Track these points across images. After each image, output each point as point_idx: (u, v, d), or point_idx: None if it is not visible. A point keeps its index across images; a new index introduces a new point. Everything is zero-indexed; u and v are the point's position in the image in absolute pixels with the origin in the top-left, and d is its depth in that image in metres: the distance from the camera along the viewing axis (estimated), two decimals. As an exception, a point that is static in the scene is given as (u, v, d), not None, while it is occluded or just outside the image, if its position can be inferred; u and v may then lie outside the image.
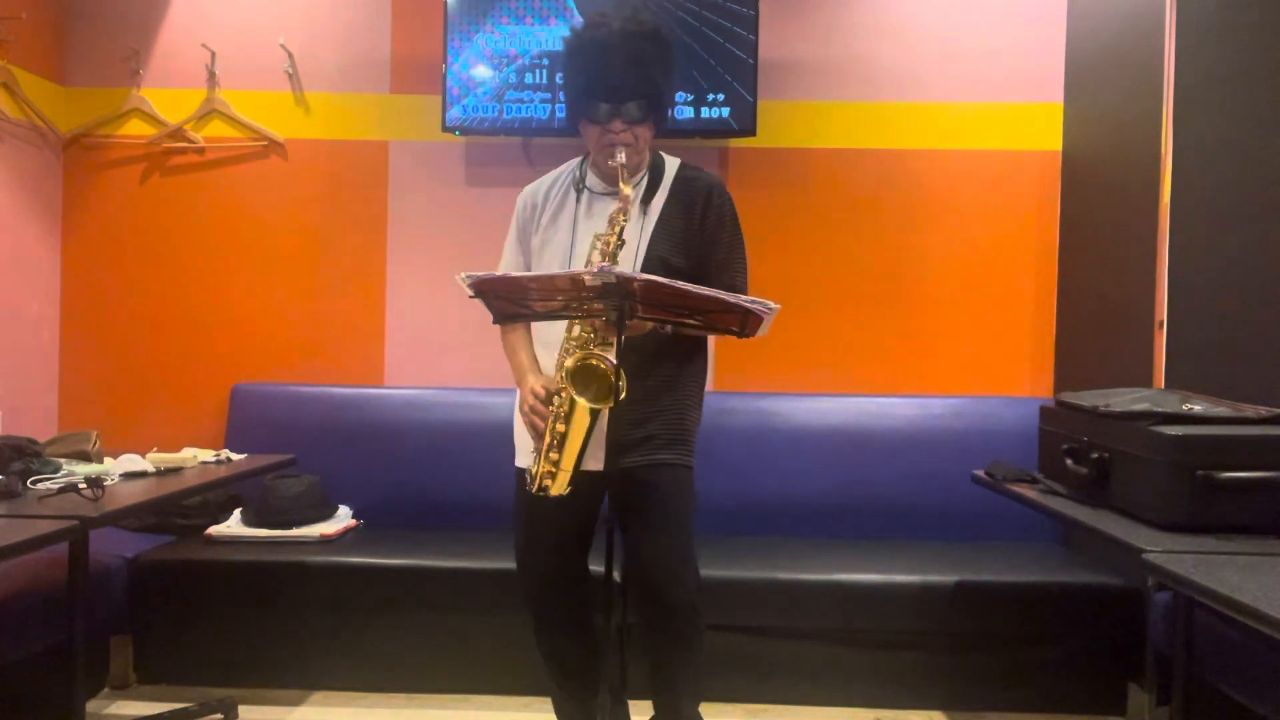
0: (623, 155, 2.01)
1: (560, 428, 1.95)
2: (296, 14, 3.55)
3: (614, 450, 1.98)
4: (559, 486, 1.95)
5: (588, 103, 2.04)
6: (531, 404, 2.02)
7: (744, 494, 3.22)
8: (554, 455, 1.96)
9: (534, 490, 1.98)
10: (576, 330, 2.00)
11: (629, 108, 2.01)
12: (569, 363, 1.95)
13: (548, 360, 2.10)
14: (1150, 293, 2.74)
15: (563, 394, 1.95)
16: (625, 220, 2.00)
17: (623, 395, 1.88)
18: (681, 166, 2.20)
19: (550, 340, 2.10)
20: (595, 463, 2.00)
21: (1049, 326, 3.47)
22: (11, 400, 3.29)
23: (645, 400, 2.07)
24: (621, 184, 2.00)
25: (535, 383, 2.04)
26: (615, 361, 1.87)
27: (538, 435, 2.01)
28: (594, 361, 1.93)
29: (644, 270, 2.05)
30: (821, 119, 3.50)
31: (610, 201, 2.09)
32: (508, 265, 2.24)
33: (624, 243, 2.00)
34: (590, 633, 2.25)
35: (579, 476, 1.97)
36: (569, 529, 2.14)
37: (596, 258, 2.00)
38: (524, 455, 2.16)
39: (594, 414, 1.92)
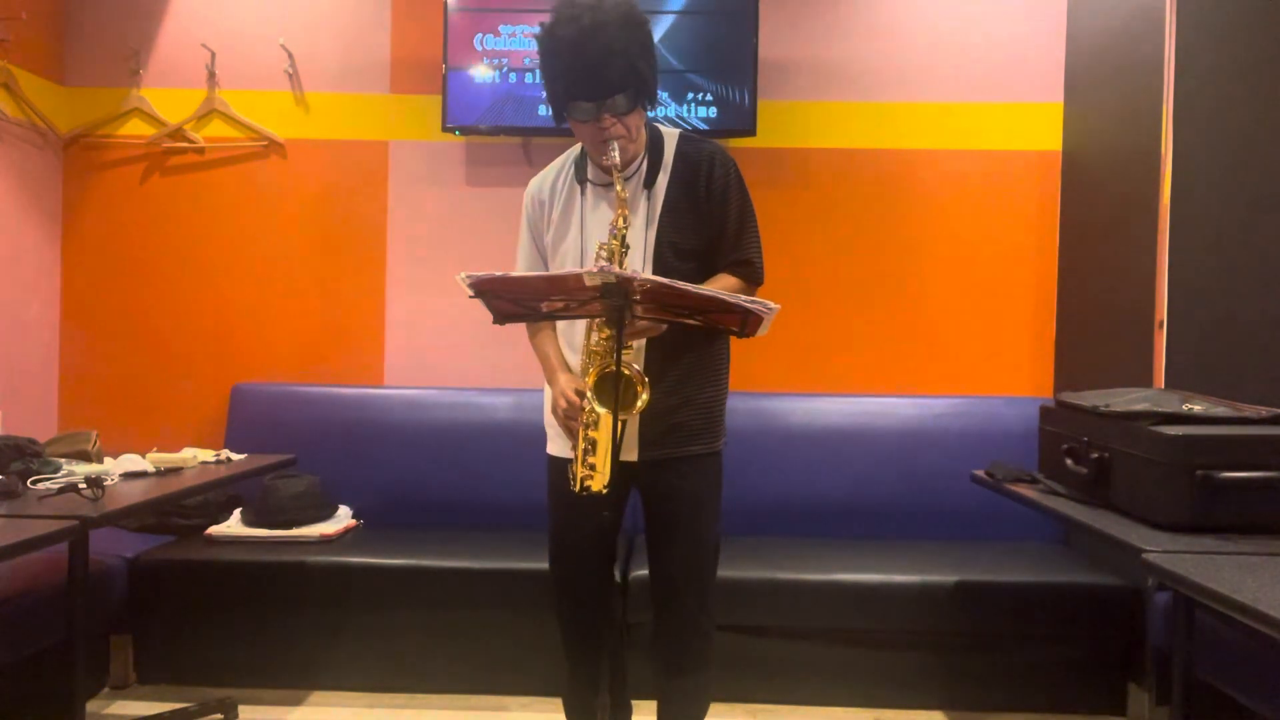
0: (616, 153, 1.96)
1: (593, 434, 1.95)
2: (296, 14, 3.55)
3: (645, 443, 1.98)
4: (599, 485, 1.94)
5: (572, 103, 1.98)
6: (565, 408, 1.99)
7: (744, 494, 3.22)
8: (590, 459, 1.95)
9: (577, 489, 1.97)
10: (594, 339, 1.98)
11: (614, 101, 1.95)
12: (590, 377, 1.93)
13: (576, 361, 2.08)
14: (1150, 293, 2.74)
15: (587, 405, 1.95)
16: (626, 226, 1.96)
17: (641, 405, 1.88)
18: (680, 140, 2.12)
19: (577, 344, 2.08)
20: (628, 454, 2.00)
21: (1049, 326, 3.47)
22: (11, 400, 3.29)
23: (673, 389, 2.05)
24: (617, 187, 1.96)
25: (567, 385, 2.00)
26: (638, 371, 1.88)
27: (573, 436, 2.00)
28: (614, 369, 1.92)
29: (655, 257, 2.03)
30: (821, 119, 3.50)
31: (614, 192, 2.07)
32: (524, 265, 2.20)
33: (629, 248, 1.96)
34: (611, 629, 2.24)
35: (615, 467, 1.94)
36: (603, 518, 2.09)
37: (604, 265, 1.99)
38: (555, 443, 2.15)
39: (620, 420, 1.90)
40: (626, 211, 1.97)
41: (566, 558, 2.17)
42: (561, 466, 2.07)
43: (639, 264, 2.03)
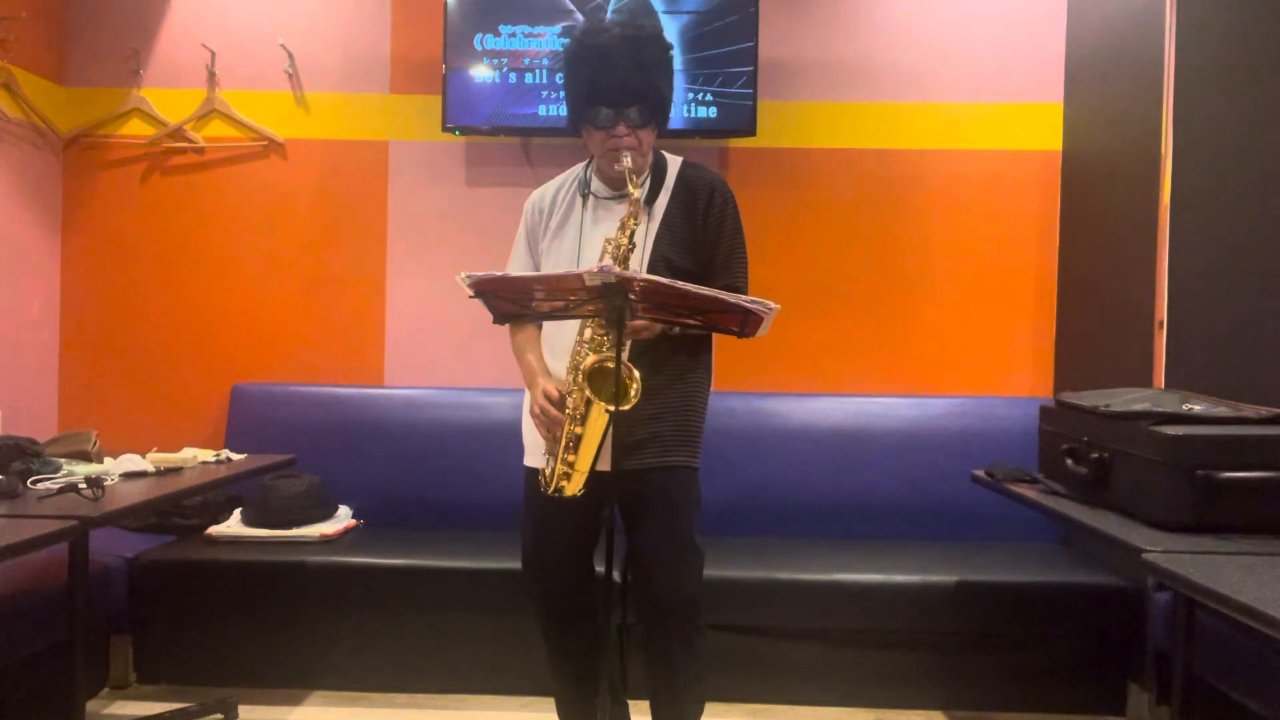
0: (629, 159, 2.02)
1: (577, 429, 1.95)
2: (296, 14, 3.55)
3: (621, 450, 1.98)
4: (574, 487, 1.95)
5: (590, 108, 2.05)
6: (544, 405, 2.01)
7: (744, 494, 3.22)
8: (569, 457, 1.95)
9: (549, 491, 1.98)
10: (588, 333, 2.00)
11: (631, 112, 2.03)
12: (585, 364, 1.94)
13: (558, 366, 2.09)
14: (1150, 292, 2.74)
15: (576, 396, 1.95)
16: (636, 224, 2.01)
17: (636, 397, 1.88)
18: (683, 165, 2.20)
19: (560, 347, 2.09)
20: (603, 463, 1.99)
21: (1049, 326, 3.47)
22: (11, 400, 3.29)
23: (653, 399, 2.05)
24: (631, 187, 2.01)
25: (547, 385, 2.03)
26: (629, 364, 1.88)
27: (551, 438, 2.00)
28: (610, 363, 1.92)
29: (649, 270, 2.05)
30: (821, 119, 3.50)
31: (615, 206, 2.11)
32: (517, 268, 2.24)
33: (634, 245, 2.01)
34: (596, 632, 2.24)
35: (590, 476, 1.97)
36: (579, 529, 2.13)
37: (608, 261, 2.00)
38: (533, 455, 2.16)
39: (610, 415, 1.90)
40: (639, 209, 2.01)
41: (548, 573, 2.17)
42: (536, 478, 2.08)
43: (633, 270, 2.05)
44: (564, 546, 2.14)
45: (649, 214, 2.12)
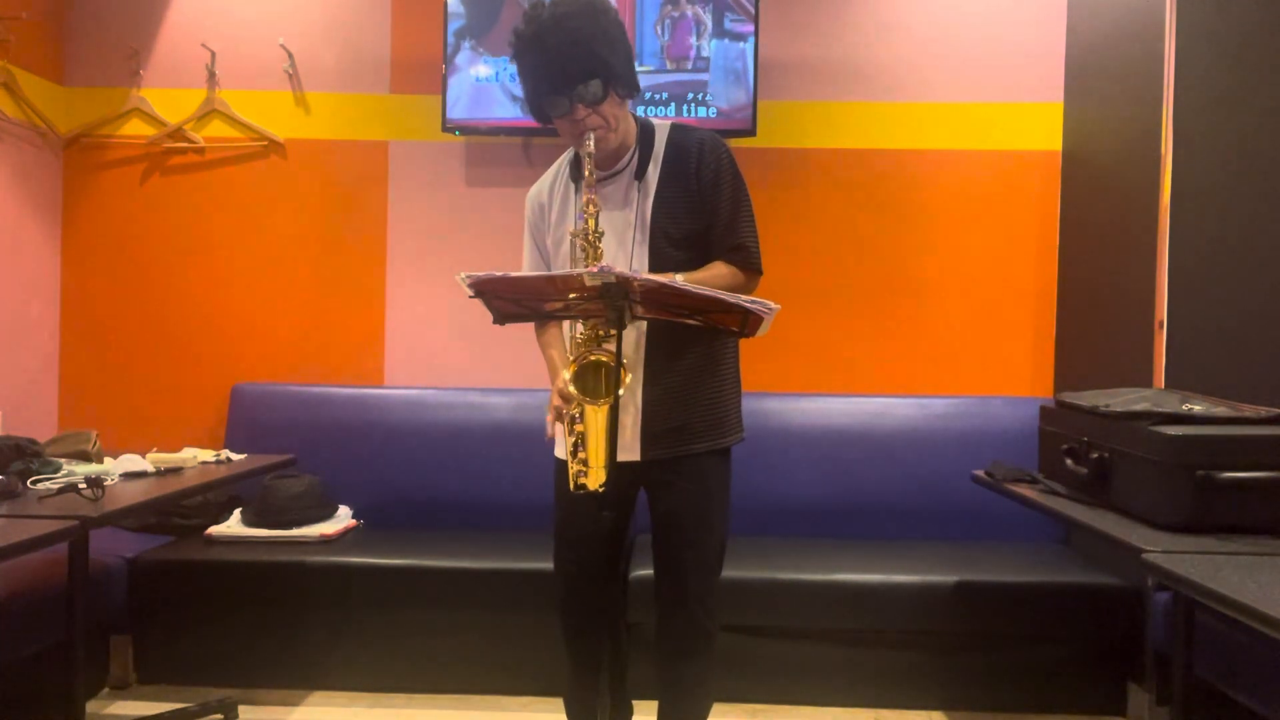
0: (591, 142, 1.95)
1: (579, 428, 1.93)
2: (296, 14, 3.55)
3: (649, 439, 1.99)
4: (594, 482, 1.92)
5: (545, 100, 1.98)
6: (556, 404, 1.99)
7: (744, 494, 3.19)
8: (581, 454, 1.94)
9: (573, 489, 1.95)
10: (578, 330, 1.99)
11: (584, 91, 1.94)
12: (571, 367, 1.93)
13: None
14: (1150, 293, 2.74)
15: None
16: (596, 209, 1.96)
17: (622, 389, 1.87)
18: (672, 129, 2.12)
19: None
20: (631, 454, 2.00)
21: (1049, 326, 3.47)
22: (11, 400, 3.29)
23: (678, 387, 2.04)
24: (586, 171, 1.96)
25: (560, 384, 2.01)
26: (619, 356, 1.87)
27: (565, 434, 2.00)
28: (594, 358, 1.92)
29: (651, 247, 2.02)
30: (821, 119, 3.50)
31: (606, 186, 2.06)
32: (530, 270, 2.20)
33: (602, 232, 1.97)
34: (613, 630, 2.23)
35: (615, 469, 1.91)
36: (604, 518, 2.05)
37: (580, 255, 1.98)
38: (560, 445, 2.15)
39: (611, 410, 1.88)
40: (594, 197, 1.96)
41: (569, 558, 2.16)
42: (564, 468, 2.07)
43: (633, 252, 2.02)
44: (590, 535, 2.09)
45: (641, 187, 2.05)
